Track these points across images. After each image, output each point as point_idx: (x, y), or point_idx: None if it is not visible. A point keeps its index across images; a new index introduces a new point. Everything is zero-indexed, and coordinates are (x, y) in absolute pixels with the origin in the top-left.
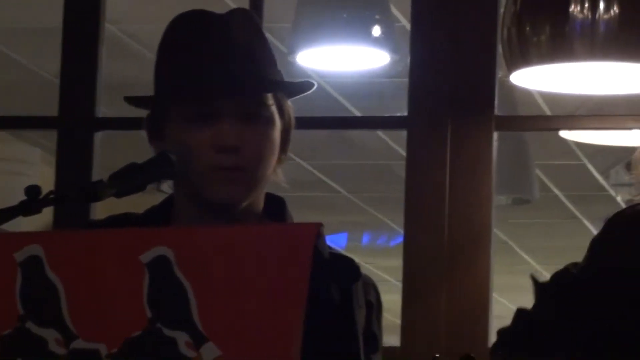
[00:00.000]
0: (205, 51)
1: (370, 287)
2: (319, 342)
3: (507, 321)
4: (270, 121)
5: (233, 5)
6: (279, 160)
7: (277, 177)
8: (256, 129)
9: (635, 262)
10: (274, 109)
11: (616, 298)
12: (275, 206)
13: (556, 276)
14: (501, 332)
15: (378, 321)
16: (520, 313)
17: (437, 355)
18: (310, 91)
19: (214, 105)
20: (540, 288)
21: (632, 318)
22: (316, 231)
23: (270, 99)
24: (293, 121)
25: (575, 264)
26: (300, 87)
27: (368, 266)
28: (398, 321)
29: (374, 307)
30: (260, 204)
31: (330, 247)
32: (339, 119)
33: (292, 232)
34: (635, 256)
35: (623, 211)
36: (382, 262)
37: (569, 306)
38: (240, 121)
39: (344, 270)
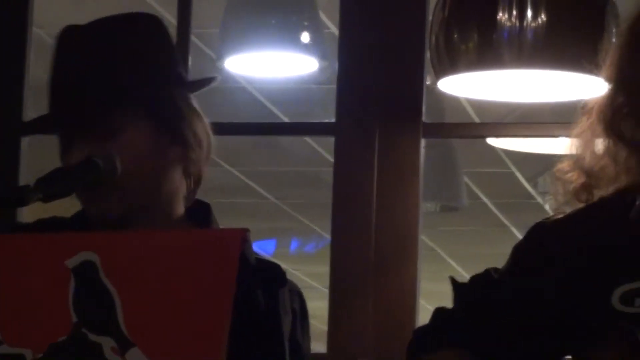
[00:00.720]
0: (56, 79)
1: (295, 295)
2: (245, 347)
3: None
4: (122, 132)
5: (159, 9)
6: (173, 164)
7: (172, 183)
8: (109, 143)
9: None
10: (127, 118)
11: (526, 303)
12: (201, 212)
13: (475, 278)
14: (416, 330)
15: (302, 329)
16: (437, 312)
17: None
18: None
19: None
20: (458, 289)
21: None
22: (242, 237)
23: (119, 110)
24: (184, 130)
25: (496, 269)
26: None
27: (296, 272)
28: (325, 328)
29: (298, 315)
30: (175, 211)
31: (256, 253)
32: (267, 125)
33: (219, 238)
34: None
35: (545, 220)
36: (309, 269)
37: (481, 306)
38: (90, 138)
39: (271, 276)
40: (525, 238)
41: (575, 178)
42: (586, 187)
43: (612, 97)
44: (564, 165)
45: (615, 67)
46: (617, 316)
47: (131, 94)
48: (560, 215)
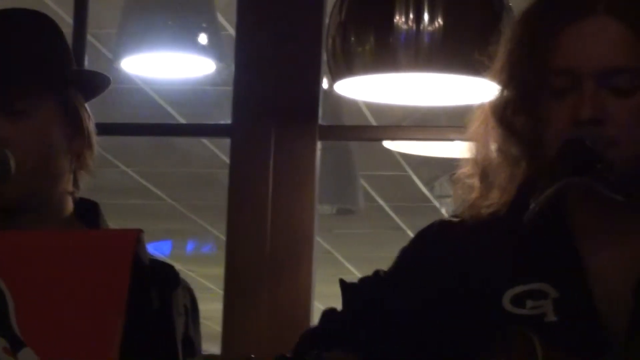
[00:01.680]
0: None
1: (187, 292)
2: (139, 348)
3: None
4: (31, 116)
5: (55, 9)
6: (71, 156)
7: (66, 176)
8: (21, 126)
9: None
10: (39, 103)
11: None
12: (89, 211)
13: (364, 279)
14: (305, 332)
15: (194, 325)
16: (326, 313)
17: (253, 355)
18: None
19: None
20: (346, 290)
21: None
22: (136, 237)
23: (30, 92)
24: (85, 122)
25: (385, 271)
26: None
27: (191, 274)
28: (220, 329)
29: (190, 311)
30: (66, 206)
31: (150, 254)
32: (163, 126)
33: (113, 238)
34: (431, 266)
35: (432, 224)
36: (205, 270)
37: (369, 309)
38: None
39: (164, 276)
40: (413, 241)
41: (473, 182)
42: (483, 190)
43: (503, 92)
44: (463, 170)
45: (505, 64)
46: (509, 318)
47: (43, 79)
48: (453, 219)
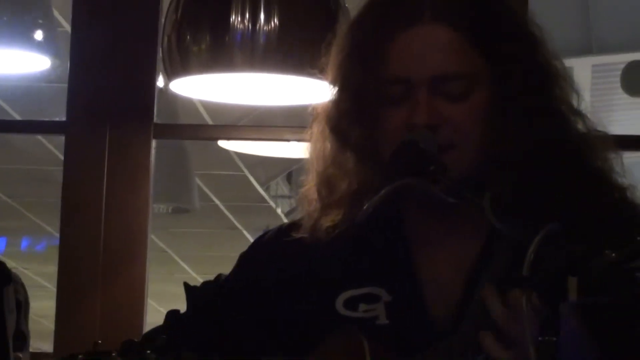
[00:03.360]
0: None
1: (20, 286)
2: None
3: None
4: None
5: None
6: None
7: None
8: None
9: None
10: None
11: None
12: None
13: (206, 283)
14: (147, 332)
15: (26, 319)
16: (170, 314)
17: (100, 341)
18: None
19: None
20: (190, 292)
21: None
22: None
23: None
24: None
25: (226, 276)
26: None
27: (26, 272)
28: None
29: (22, 305)
30: None
31: None
32: None
33: None
34: (267, 271)
35: (270, 231)
36: (40, 268)
37: (209, 312)
38: None
39: None
40: (251, 246)
41: (312, 194)
42: (322, 201)
43: (337, 102)
44: (306, 187)
45: (338, 75)
46: (342, 320)
47: None
48: (288, 223)
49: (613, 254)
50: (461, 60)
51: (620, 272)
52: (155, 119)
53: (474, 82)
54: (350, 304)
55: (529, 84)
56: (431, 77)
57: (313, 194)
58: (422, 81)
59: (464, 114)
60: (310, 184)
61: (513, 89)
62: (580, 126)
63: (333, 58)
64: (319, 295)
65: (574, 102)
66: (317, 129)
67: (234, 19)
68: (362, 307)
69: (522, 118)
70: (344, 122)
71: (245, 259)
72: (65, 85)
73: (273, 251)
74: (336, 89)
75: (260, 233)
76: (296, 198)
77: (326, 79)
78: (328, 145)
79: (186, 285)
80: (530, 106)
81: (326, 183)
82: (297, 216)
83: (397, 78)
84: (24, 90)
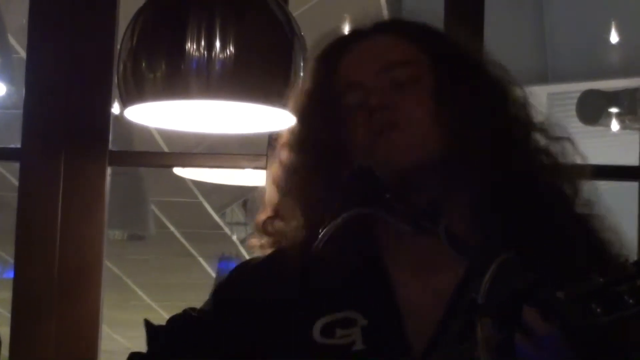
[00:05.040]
0: None
1: None
2: None
3: (118, 357)
4: None
5: None
6: None
7: None
8: None
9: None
10: None
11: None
12: None
13: (173, 319)
14: None
15: None
16: (132, 357)
17: None
18: None
19: None
20: (152, 332)
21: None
22: None
23: None
24: None
25: (193, 308)
26: None
27: None
28: (8, 354)
29: None
30: None
31: None
32: None
33: None
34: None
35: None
36: None
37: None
38: None
39: None
40: (227, 278)
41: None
42: (279, 230)
43: (297, 131)
44: (261, 217)
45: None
46: (319, 349)
47: None
48: (261, 256)
49: (600, 279)
50: (405, 52)
51: (608, 295)
52: (110, 146)
53: (420, 70)
54: (327, 330)
55: (472, 82)
56: (378, 67)
57: (273, 221)
58: (370, 73)
59: (411, 99)
60: (266, 211)
61: (457, 86)
62: (538, 137)
63: (295, 89)
64: (296, 324)
65: (530, 114)
66: (279, 154)
67: (190, 46)
68: (339, 332)
69: (467, 109)
70: (308, 143)
71: (220, 289)
72: (21, 112)
73: (243, 282)
74: (298, 114)
75: (215, 260)
76: (252, 225)
77: (288, 108)
78: (289, 170)
79: (148, 324)
80: (475, 99)
81: (279, 208)
82: (252, 243)
83: (349, 83)
84: None
